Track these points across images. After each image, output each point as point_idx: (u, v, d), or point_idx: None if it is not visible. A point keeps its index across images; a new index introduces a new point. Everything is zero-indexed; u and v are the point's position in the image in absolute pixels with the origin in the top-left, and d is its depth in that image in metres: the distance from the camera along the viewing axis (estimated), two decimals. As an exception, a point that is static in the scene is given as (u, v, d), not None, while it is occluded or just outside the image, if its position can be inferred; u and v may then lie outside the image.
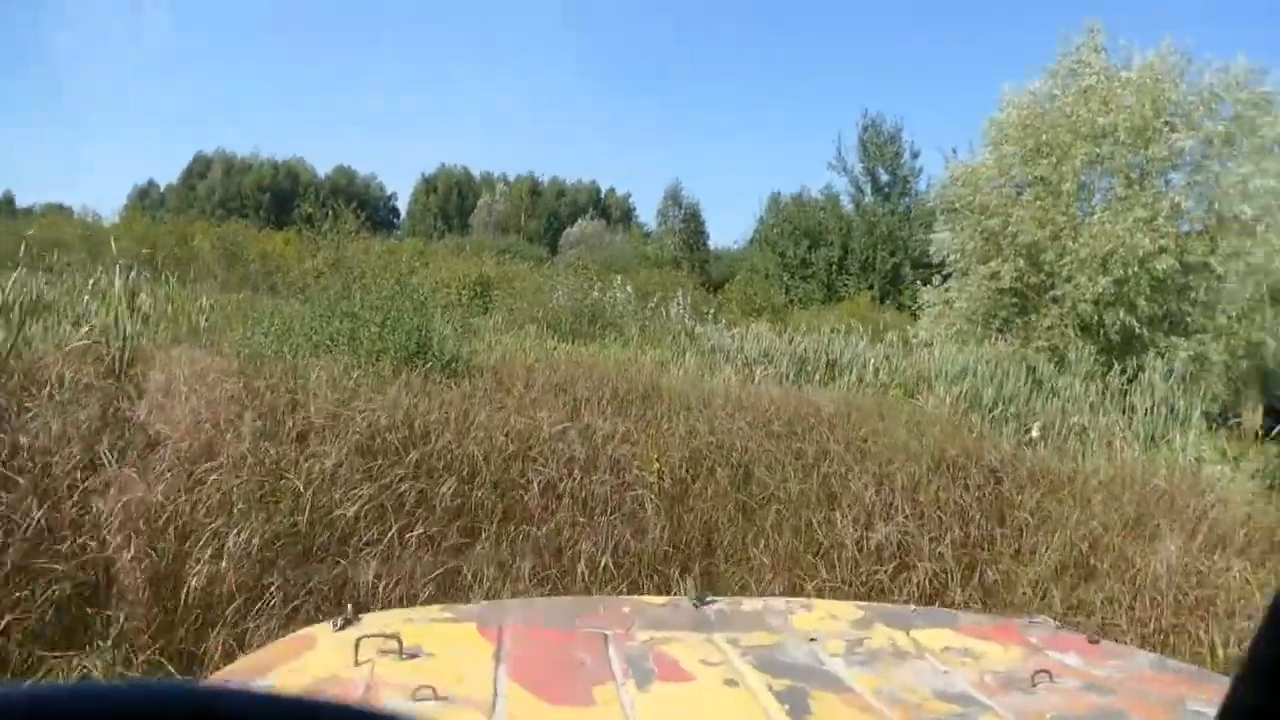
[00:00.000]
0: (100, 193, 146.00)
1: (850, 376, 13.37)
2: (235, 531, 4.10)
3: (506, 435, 5.61)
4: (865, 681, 1.68)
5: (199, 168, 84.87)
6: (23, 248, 9.47)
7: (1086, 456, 8.91)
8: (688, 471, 5.55)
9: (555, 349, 13.99)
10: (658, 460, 5.45)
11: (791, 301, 31.79)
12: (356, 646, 1.65)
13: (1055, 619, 2.20)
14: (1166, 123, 15.39)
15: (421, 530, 4.40)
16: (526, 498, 4.91)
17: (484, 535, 4.49)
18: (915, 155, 38.71)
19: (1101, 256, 14.60)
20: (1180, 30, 16.72)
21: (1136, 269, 14.25)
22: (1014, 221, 15.50)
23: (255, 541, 4.13)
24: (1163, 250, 14.31)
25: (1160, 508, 5.85)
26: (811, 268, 37.12)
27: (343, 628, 1.82)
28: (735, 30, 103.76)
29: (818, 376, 13.54)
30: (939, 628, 2.01)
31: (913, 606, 2.60)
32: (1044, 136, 15.78)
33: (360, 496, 4.40)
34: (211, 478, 4.32)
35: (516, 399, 7.13)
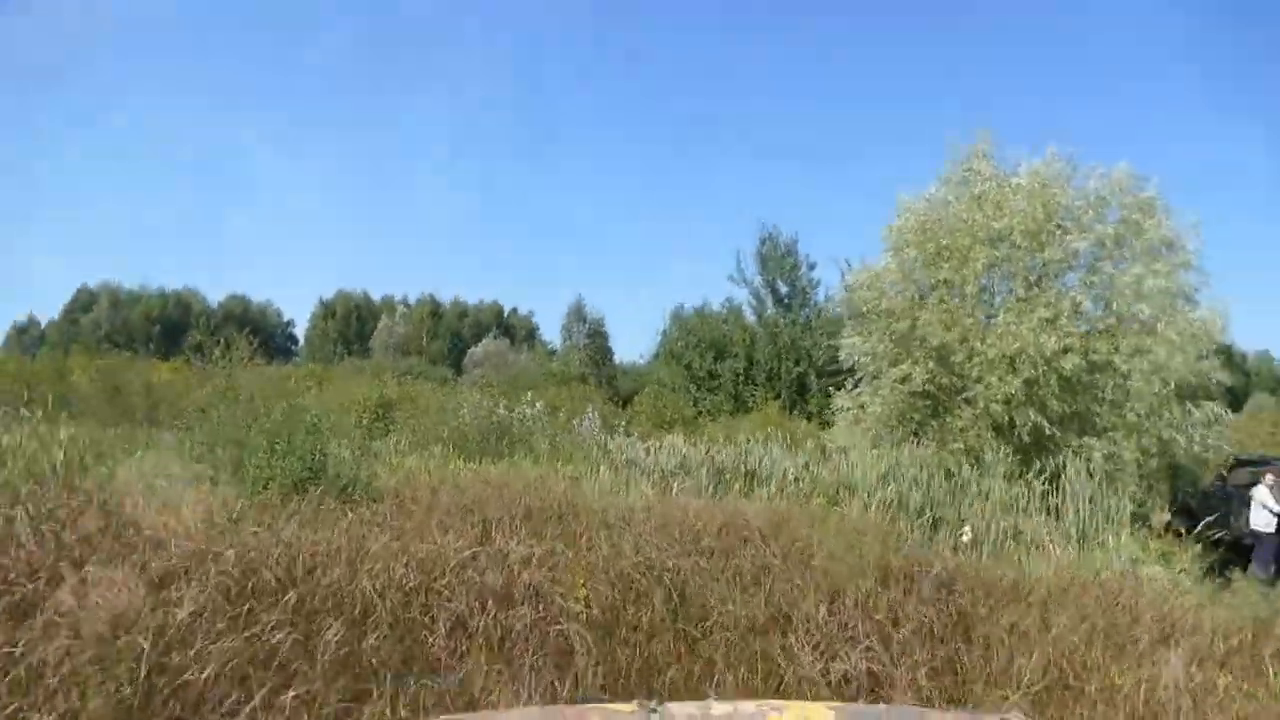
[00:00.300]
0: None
1: (770, 486, 12.93)
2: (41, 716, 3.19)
3: (406, 565, 4.86)
4: None
5: (84, 301, 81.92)
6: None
7: (1025, 561, 8.54)
8: (618, 596, 4.86)
9: (462, 469, 13.28)
10: (583, 585, 4.75)
11: (701, 413, 31.61)
12: None
13: (1025, 714, 2.08)
14: (1059, 226, 15.76)
15: (297, 691, 3.58)
16: (430, 640, 4.14)
17: (376, 694, 3.68)
18: (812, 267, 39.70)
19: (1009, 356, 14.63)
20: (1063, 139, 17.34)
21: (1045, 368, 14.29)
22: (921, 325, 15.51)
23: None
24: (1068, 350, 14.41)
25: (1124, 617, 5.41)
26: (718, 379, 37.17)
27: None
28: (632, 145, 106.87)
29: (737, 486, 13.07)
30: None
31: (883, 706, 2.51)
32: (944, 241, 15.99)
33: (223, 651, 3.57)
34: (24, 640, 3.45)
35: (418, 524, 6.39)
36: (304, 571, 4.57)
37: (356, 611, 4.17)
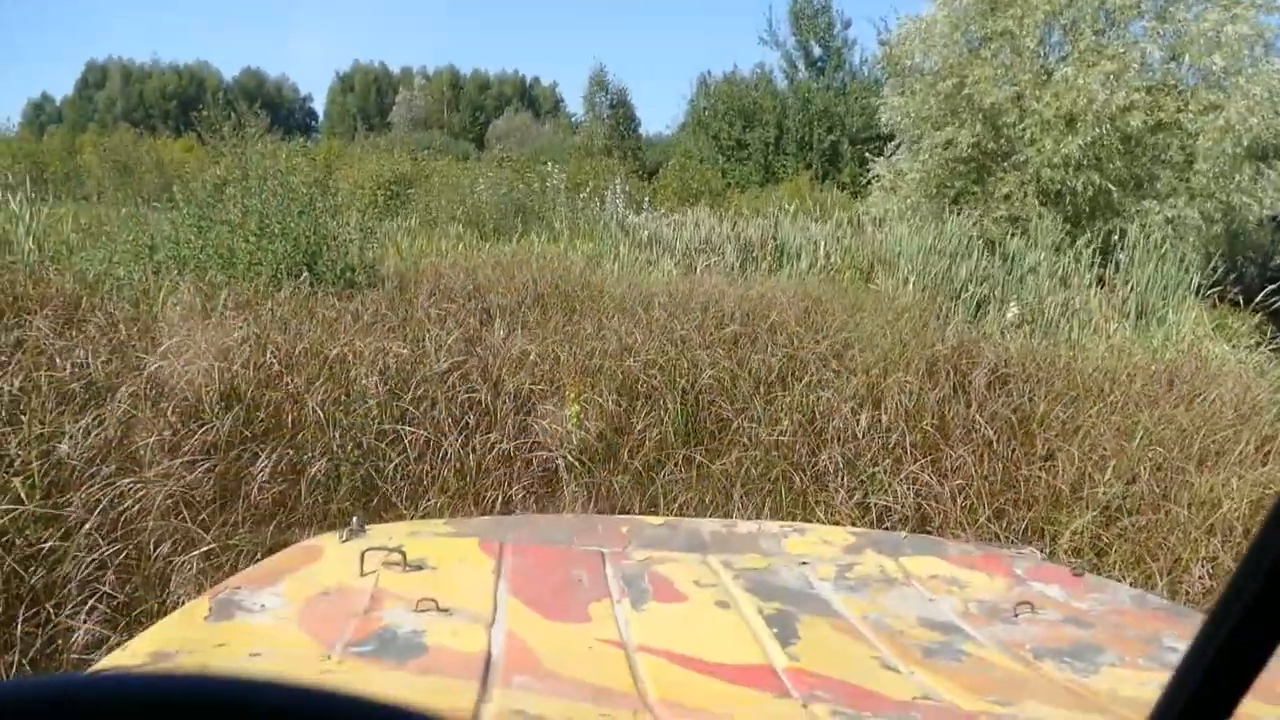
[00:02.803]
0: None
1: (801, 262, 12.14)
2: None
3: (382, 373, 4.21)
4: (853, 606, 1.69)
5: (93, 77, 79.46)
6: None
7: (1079, 342, 7.81)
8: (621, 409, 4.20)
9: (474, 249, 12.63)
10: (575, 399, 4.07)
11: (729, 185, 30.36)
12: (362, 558, 1.67)
13: (1041, 551, 2.12)
14: (1128, -38, 13.96)
15: (204, 548, 2.92)
16: (390, 471, 3.52)
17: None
18: (846, 25, 37.00)
19: (1068, 115, 13.32)
20: None
21: (1108, 126, 13.00)
22: (970, 82, 14.08)
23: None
24: (1133, 106, 13.06)
25: (1208, 413, 4.70)
26: (747, 149, 35.58)
27: (349, 539, 1.83)
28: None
29: (765, 264, 12.30)
30: (928, 556, 1.98)
31: (903, 534, 2.38)
32: (1001, -15, 14.25)
33: (124, 494, 2.96)
34: None
35: (413, 318, 5.73)
36: (259, 382, 3.93)
37: (303, 436, 3.55)
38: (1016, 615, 1.67)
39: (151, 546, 2.90)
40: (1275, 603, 0.35)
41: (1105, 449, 4.09)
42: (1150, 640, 1.57)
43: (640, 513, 3.38)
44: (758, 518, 3.42)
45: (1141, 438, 4.16)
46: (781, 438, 4.07)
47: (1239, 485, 3.74)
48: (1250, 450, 4.19)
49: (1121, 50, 13.59)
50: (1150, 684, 1.37)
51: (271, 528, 3.08)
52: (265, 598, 1.52)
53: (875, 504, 3.74)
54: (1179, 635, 1.57)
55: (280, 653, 1.33)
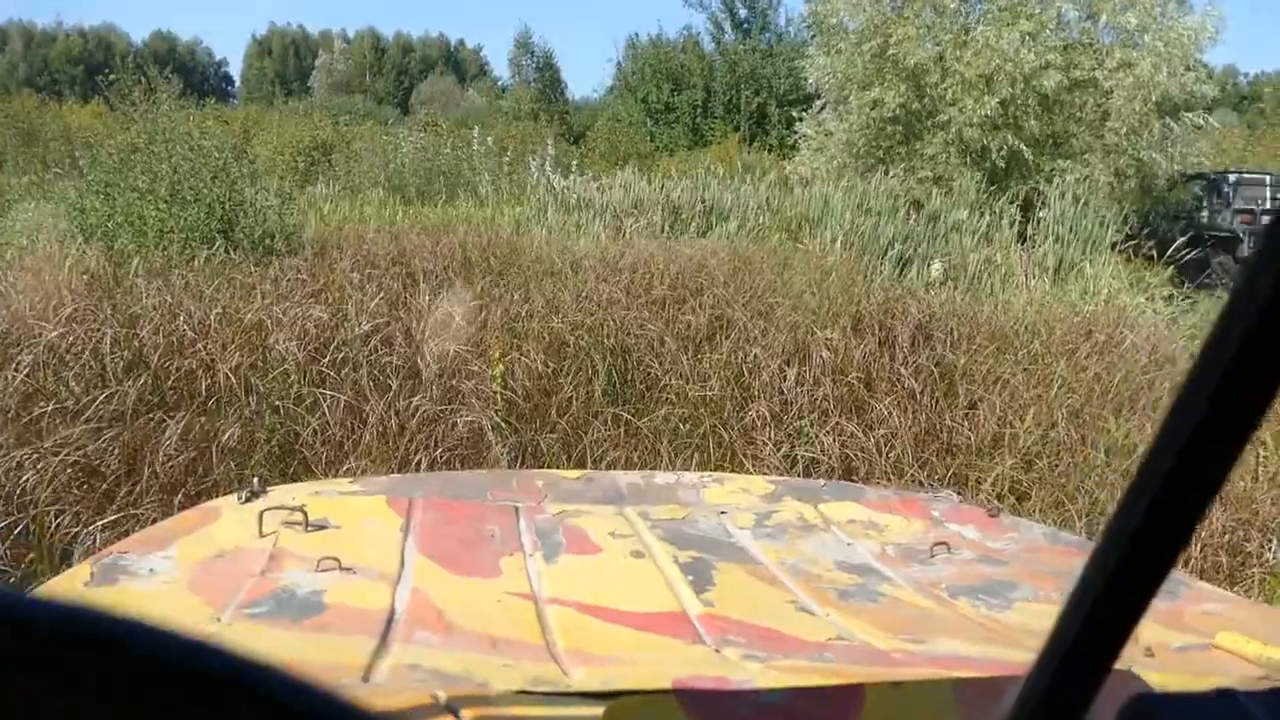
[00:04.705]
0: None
1: (730, 224, 12.14)
2: None
3: (300, 338, 4.09)
4: (771, 553, 1.70)
5: (-8, 41, 75.83)
6: None
7: (1000, 296, 7.97)
8: (549, 370, 4.15)
9: (398, 215, 12.41)
10: (501, 359, 4.00)
11: (657, 148, 30.25)
12: (261, 519, 1.62)
13: (961, 495, 2.18)
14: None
15: (109, 518, 2.77)
16: (309, 436, 3.42)
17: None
18: (772, -13, 36.79)
19: (986, 76, 13.48)
20: None
21: (1023, 86, 13.21)
22: (894, 42, 14.16)
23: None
24: (1048, 66, 13.28)
25: (1123, 363, 4.83)
26: (675, 112, 35.38)
27: (248, 500, 1.76)
28: None
29: (694, 226, 12.28)
30: (846, 501, 2.01)
31: (823, 481, 2.46)
32: (922, -55, 14.31)
33: (21, 465, 2.81)
34: None
35: (334, 283, 5.60)
36: (170, 348, 3.79)
37: (213, 403, 3.44)
38: (933, 556, 1.69)
39: (51, 518, 2.78)
40: (1163, 520, 0.34)
41: (1025, 398, 4.18)
42: (1063, 575, 1.57)
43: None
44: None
45: (1060, 387, 4.25)
46: (709, 394, 4.07)
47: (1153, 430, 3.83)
48: (1163, 398, 4.31)
49: (1038, 9, 13.77)
50: None
51: (179, 496, 2.97)
52: (154, 561, 1.45)
53: (802, 456, 3.76)
54: None
55: (164, 617, 1.25)
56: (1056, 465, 3.72)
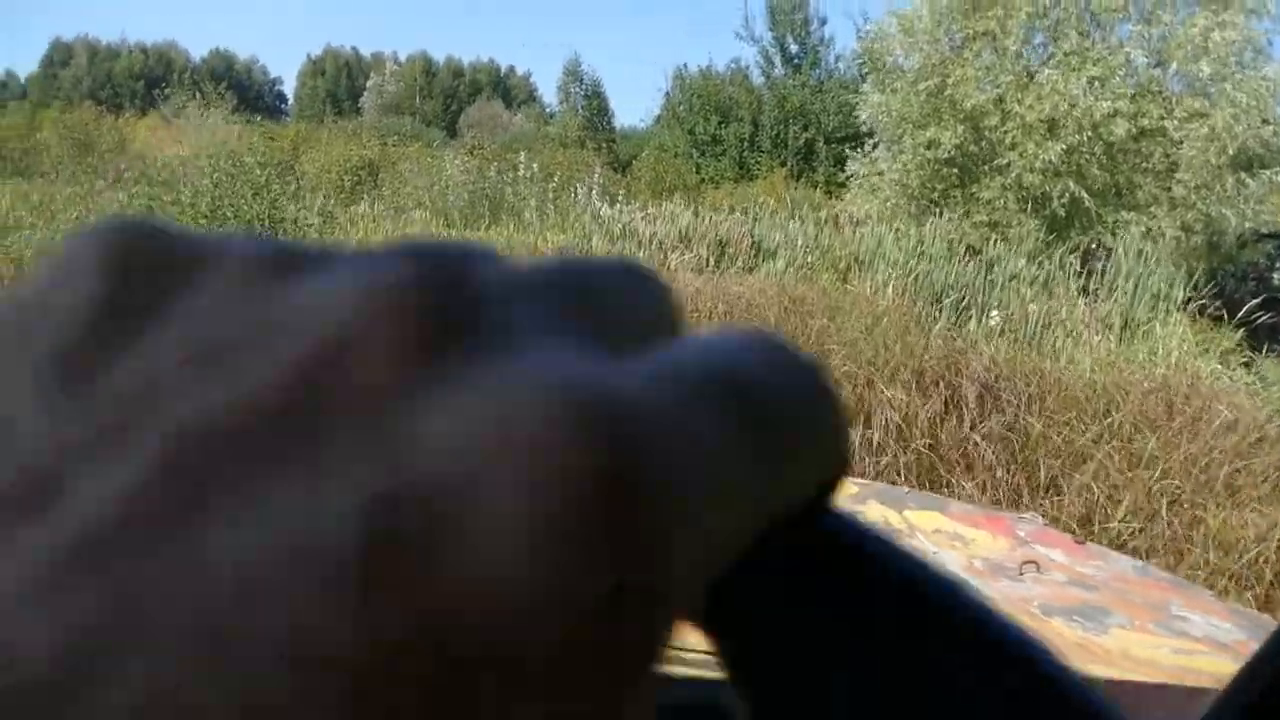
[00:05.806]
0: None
1: (778, 261, 11.78)
2: None
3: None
4: None
5: (59, 55, 77.59)
6: None
7: (1065, 353, 7.52)
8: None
9: (440, 238, 12.21)
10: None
11: (703, 180, 30.04)
12: None
13: (1044, 518, 2.13)
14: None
15: None
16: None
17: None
18: (823, 23, 36.60)
19: (1050, 120, 13.04)
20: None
21: (1090, 134, 12.74)
22: (952, 83, 13.77)
23: None
24: (1117, 113, 12.80)
25: (1218, 441, 4.37)
26: (722, 144, 35.21)
27: None
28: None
29: (740, 261, 11.94)
30: (931, 511, 1.97)
31: (906, 488, 2.46)
32: (985, -15, 13.93)
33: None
34: None
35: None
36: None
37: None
38: (1022, 574, 1.66)
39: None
40: None
41: (1116, 479, 3.75)
42: (1158, 607, 1.56)
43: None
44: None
45: (1156, 469, 3.80)
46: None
47: (1261, 524, 3.40)
48: (1265, 485, 3.84)
49: (1107, 54, 13.33)
50: (1162, 648, 1.38)
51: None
52: None
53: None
54: (1185, 605, 1.57)
55: None
56: (1161, 563, 3.30)
